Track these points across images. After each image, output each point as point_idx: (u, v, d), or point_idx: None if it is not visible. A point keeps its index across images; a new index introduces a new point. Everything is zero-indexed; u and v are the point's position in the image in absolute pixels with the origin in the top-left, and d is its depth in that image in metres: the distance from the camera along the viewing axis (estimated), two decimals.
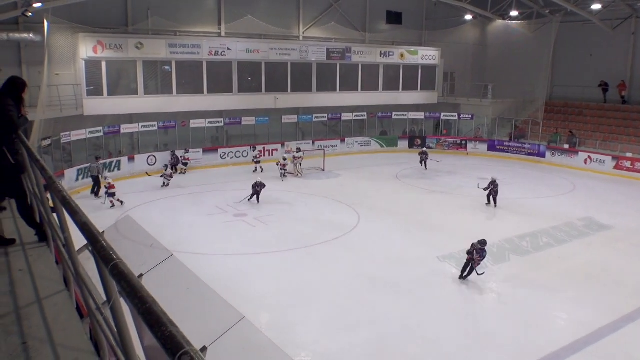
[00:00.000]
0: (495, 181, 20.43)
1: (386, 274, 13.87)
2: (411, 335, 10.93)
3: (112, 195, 19.37)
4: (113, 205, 19.25)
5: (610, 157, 28.86)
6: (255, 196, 19.93)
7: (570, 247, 16.75)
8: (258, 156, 26.27)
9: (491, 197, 20.46)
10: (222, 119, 28.25)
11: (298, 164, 25.49)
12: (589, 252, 16.46)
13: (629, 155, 28.57)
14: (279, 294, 12.57)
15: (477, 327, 11.49)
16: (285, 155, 25.90)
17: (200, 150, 26.99)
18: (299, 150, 26.53)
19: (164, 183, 22.17)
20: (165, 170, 22.62)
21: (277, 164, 24.81)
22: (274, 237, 16.38)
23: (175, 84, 26.91)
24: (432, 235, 16.94)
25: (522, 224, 18.50)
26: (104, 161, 22.99)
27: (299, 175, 25.32)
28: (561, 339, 10.99)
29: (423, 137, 33.86)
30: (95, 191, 21.27)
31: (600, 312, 12.25)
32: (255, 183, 19.92)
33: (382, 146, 33.02)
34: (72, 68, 23.96)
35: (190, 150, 26.55)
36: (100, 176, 21.46)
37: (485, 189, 20.34)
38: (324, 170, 26.20)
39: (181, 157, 25.46)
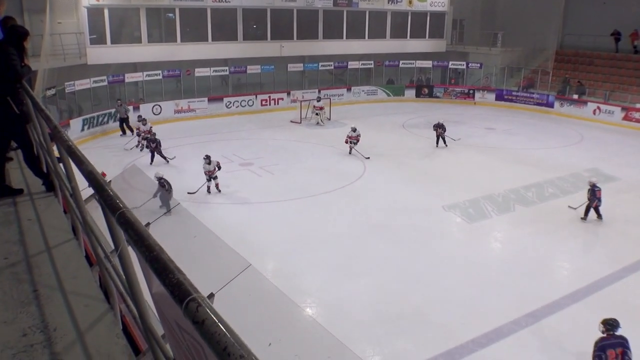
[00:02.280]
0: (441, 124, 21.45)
1: (391, 223, 14.02)
2: (415, 283, 11.10)
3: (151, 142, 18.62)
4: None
5: (620, 108, 28.56)
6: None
7: (576, 197, 16.79)
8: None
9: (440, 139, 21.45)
10: (227, 68, 27.97)
11: (321, 114, 25.53)
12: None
13: (638, 106, 28.30)
14: (284, 242, 12.78)
15: (481, 276, 11.64)
16: (315, 103, 25.88)
17: (206, 99, 26.81)
18: (319, 99, 26.33)
19: (138, 143, 19.92)
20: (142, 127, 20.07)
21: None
22: (279, 186, 16.48)
23: (179, 31, 26.62)
24: (438, 185, 17.00)
25: (528, 174, 18.50)
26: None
27: (321, 123, 25.37)
28: (563, 288, 11.17)
29: (430, 85, 33.51)
30: (126, 131, 21.56)
31: (602, 262, 12.41)
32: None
33: (388, 95, 32.72)
34: (74, 16, 23.70)
35: (195, 98, 26.44)
36: (128, 117, 21.87)
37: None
38: (329, 119, 26.10)
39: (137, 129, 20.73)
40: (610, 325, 7.72)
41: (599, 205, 14.28)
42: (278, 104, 28.77)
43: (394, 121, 26.58)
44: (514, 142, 23.53)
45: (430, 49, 35.03)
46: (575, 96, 30.36)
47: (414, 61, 33.70)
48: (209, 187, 15.72)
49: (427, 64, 34.05)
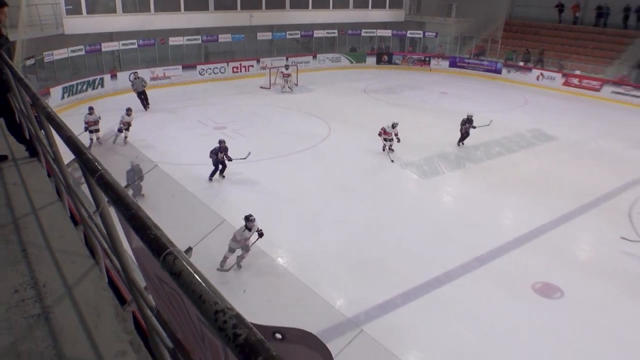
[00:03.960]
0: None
1: (354, 181, 14.18)
2: (377, 234, 11.36)
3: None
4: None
5: (560, 74, 29.02)
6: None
7: (519, 155, 17.20)
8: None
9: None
10: (199, 37, 27.38)
11: (288, 80, 25.18)
12: (536, 160, 16.93)
13: (577, 72, 28.77)
14: (256, 199, 12.81)
15: (436, 227, 11.94)
16: (283, 70, 25.44)
17: (180, 66, 26.27)
18: (287, 67, 25.95)
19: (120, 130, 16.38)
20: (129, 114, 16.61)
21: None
22: (251, 148, 16.32)
23: (153, 1, 25.86)
24: (396, 145, 17.14)
25: (477, 134, 18.75)
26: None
27: (289, 90, 25.03)
28: (507, 236, 11.57)
29: (390, 53, 33.43)
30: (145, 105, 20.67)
31: (541, 213, 12.83)
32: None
33: (351, 62, 32.55)
34: None
35: (169, 66, 25.87)
36: (145, 90, 20.80)
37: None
38: (297, 85, 25.90)
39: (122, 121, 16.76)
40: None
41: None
42: (248, 71, 28.39)
43: (356, 87, 26.54)
44: (465, 106, 23.69)
45: (390, 18, 34.86)
46: (521, 63, 30.69)
47: (375, 30, 33.50)
48: (116, 137, 15.88)
49: (387, 33, 33.89)
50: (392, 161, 15.63)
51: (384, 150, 16.16)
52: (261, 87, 25.43)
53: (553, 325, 8.69)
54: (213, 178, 13.75)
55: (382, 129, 16.06)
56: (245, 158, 13.78)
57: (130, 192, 11.57)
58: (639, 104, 26.08)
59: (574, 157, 17.45)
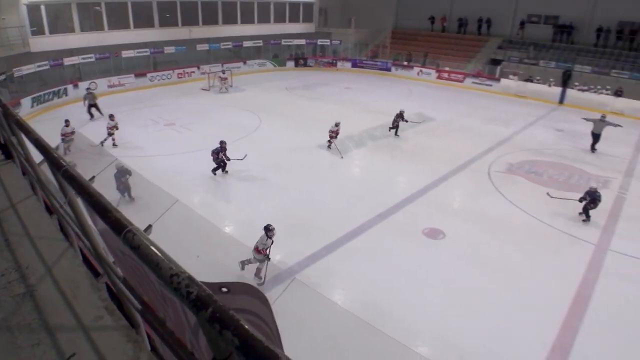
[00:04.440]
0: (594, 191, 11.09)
1: (283, 160, 14.08)
2: (304, 200, 11.39)
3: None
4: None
5: (435, 70, 29.97)
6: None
7: (408, 133, 17.67)
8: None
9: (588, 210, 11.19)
10: (148, 49, 25.99)
11: (225, 82, 24.34)
12: (420, 136, 17.49)
13: (446, 68, 29.83)
14: (205, 180, 12.48)
15: (348, 192, 12.12)
16: (221, 75, 24.57)
17: (132, 75, 24.86)
18: (223, 72, 25.05)
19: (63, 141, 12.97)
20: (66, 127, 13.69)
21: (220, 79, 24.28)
22: (197, 139, 15.89)
23: (106, 21, 24.27)
24: (312, 130, 17.15)
25: (375, 119, 19.15)
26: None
27: (226, 90, 24.20)
28: (401, 195, 11.93)
29: (305, 58, 33.24)
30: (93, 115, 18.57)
31: (425, 176, 13.31)
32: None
33: (275, 66, 32.06)
34: (16, 12, 20.84)
35: (123, 75, 24.43)
36: (97, 103, 18.66)
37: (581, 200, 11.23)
38: (232, 86, 25.24)
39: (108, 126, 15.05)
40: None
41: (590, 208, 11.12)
42: (191, 76, 27.29)
43: (280, 85, 26.23)
44: (364, 97, 24.08)
45: (303, 30, 34.57)
46: (405, 62, 31.39)
47: (292, 40, 33.12)
48: (105, 140, 14.67)
49: (302, 41, 33.60)
50: (342, 157, 14.66)
51: (329, 147, 15.32)
52: (202, 89, 24.58)
53: (440, 258, 9.12)
54: (217, 173, 12.75)
55: (330, 130, 15.20)
56: (242, 159, 12.85)
57: (118, 197, 10.25)
58: (490, 91, 27.49)
59: (447, 132, 18.20)
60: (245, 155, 13.07)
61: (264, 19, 32.22)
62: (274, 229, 7.91)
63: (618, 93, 24.52)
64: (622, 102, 24.13)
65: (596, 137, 16.77)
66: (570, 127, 20.66)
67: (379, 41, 34.46)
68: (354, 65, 32.88)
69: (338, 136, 15.26)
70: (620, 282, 8.77)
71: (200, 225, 9.46)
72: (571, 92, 25.52)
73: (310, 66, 32.81)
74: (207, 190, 11.98)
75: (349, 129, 17.39)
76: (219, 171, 12.76)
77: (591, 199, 11.08)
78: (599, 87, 25.10)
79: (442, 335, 6.96)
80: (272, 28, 32.68)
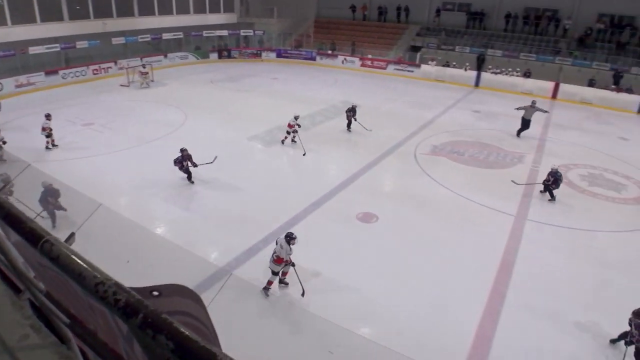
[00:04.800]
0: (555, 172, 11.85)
1: (213, 154, 13.65)
2: (238, 194, 11.17)
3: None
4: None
5: (358, 58, 30.51)
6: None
7: (336, 121, 17.91)
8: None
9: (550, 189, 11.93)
10: (58, 44, 24.16)
11: (145, 77, 23.11)
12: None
13: (369, 56, 30.46)
14: (130, 182, 11.77)
15: (281, 181, 12.13)
16: (141, 69, 23.31)
17: (42, 73, 22.94)
18: (143, 66, 23.79)
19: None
20: None
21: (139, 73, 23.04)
22: (120, 139, 15.04)
23: (9, 15, 22.20)
24: (241, 122, 16.93)
25: (303, 108, 19.16)
26: None
27: (147, 86, 23.01)
28: (333, 182, 12.09)
29: (228, 49, 32.48)
30: None
31: (356, 161, 13.58)
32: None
33: (197, 58, 31.03)
34: None
35: (32, 73, 22.51)
36: None
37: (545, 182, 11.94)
38: (153, 81, 24.15)
39: None
40: (638, 315, 6.41)
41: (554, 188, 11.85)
42: (108, 72, 25.72)
43: (204, 78, 25.49)
44: (291, 87, 24.05)
45: (225, 21, 33.68)
46: (330, 51, 31.66)
47: (214, 31, 32.21)
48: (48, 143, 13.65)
49: (224, 32, 32.74)
50: (304, 154, 14.16)
51: (282, 142, 14.84)
52: (121, 85, 23.28)
53: (375, 240, 9.39)
54: (192, 180, 11.69)
55: (288, 124, 14.65)
56: (211, 162, 11.84)
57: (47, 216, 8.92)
58: (412, 76, 28.47)
59: (373, 119, 18.56)
60: (216, 157, 12.06)
61: (183, 9, 31.03)
62: (296, 237, 7.38)
63: (527, 74, 26.35)
64: (531, 83, 25.98)
65: (526, 122, 17.21)
66: (486, 108, 21.94)
67: (302, 31, 34.45)
68: (279, 55, 32.67)
69: (297, 130, 14.61)
70: (538, 247, 9.54)
71: (129, 228, 9.02)
72: (485, 75, 27.07)
73: (234, 57, 32.17)
74: (133, 191, 11.37)
75: (279, 120, 17.30)
76: (185, 179, 11.66)
77: (554, 179, 11.77)
78: (510, 69, 26.82)
79: (381, 314, 7.19)
80: (192, 19, 31.57)
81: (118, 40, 26.94)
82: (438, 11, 32.08)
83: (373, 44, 31.46)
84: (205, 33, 31.46)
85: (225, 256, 8.42)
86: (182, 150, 11.53)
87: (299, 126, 14.66)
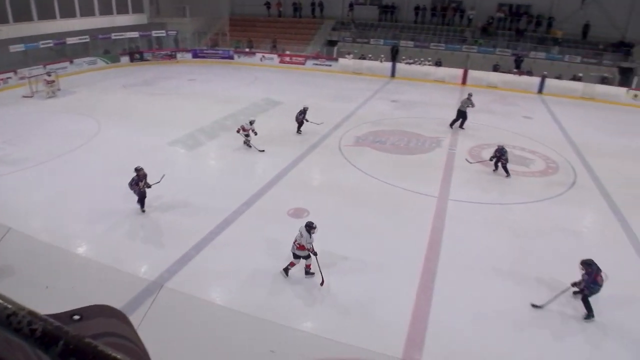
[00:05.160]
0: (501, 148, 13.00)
1: (133, 163, 12.88)
2: (161, 202, 10.68)
3: None
4: None
5: (277, 55, 30.41)
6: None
7: (259, 119, 17.65)
8: None
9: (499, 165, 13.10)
10: None
11: (52, 86, 21.32)
12: (271, 120, 17.65)
13: (288, 52, 30.47)
14: (44, 200, 10.73)
15: (208, 184, 11.75)
16: (47, 77, 21.44)
17: None
18: (49, 74, 21.95)
19: None
20: None
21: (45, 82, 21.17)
22: (26, 155, 13.67)
23: None
24: (161, 127, 16.25)
25: (224, 109, 18.84)
26: None
27: (54, 95, 21.26)
28: (263, 180, 11.96)
29: (140, 52, 30.97)
30: None
31: (283, 158, 13.54)
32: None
33: (107, 63, 29.28)
34: None
35: None
36: None
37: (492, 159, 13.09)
38: (60, 89, 22.46)
39: None
40: (587, 264, 7.18)
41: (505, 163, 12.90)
42: (7, 82, 23.48)
43: (116, 83, 24.12)
44: (210, 87, 23.47)
45: (135, 22, 31.95)
46: (247, 49, 31.27)
47: (124, 33, 30.45)
48: None
49: (135, 34, 31.05)
50: (262, 150, 14.09)
51: (245, 144, 14.41)
52: (24, 97, 21.33)
53: None
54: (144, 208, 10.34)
55: (241, 126, 14.29)
56: (159, 182, 10.48)
57: None
58: (330, 70, 28.90)
59: (296, 113, 18.62)
60: (164, 176, 10.79)
61: (87, 11, 29.05)
62: (316, 227, 7.71)
63: (438, 63, 27.67)
64: (442, 71, 27.34)
65: (462, 113, 17.49)
66: (403, 97, 22.79)
67: (217, 29, 33.71)
68: (195, 55, 31.74)
69: (251, 134, 14.34)
70: (461, 224, 10.09)
71: (45, 251, 8.30)
72: (400, 66, 28.08)
73: (147, 60, 30.77)
74: (47, 210, 10.36)
75: (200, 122, 16.88)
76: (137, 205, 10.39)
77: (501, 155, 12.84)
78: (422, 59, 28.03)
79: (322, 306, 7.26)
80: (98, 21, 29.67)
81: (17, 48, 24.69)
82: (351, 5, 32.75)
83: (290, 40, 31.49)
84: (114, 35, 29.73)
85: (156, 269, 8.01)
86: (138, 170, 10.08)
87: (255, 133, 14.27)
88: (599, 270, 7.15)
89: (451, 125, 17.68)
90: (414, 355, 6.32)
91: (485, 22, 29.82)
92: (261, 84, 24.63)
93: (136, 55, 30.52)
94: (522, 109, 21.70)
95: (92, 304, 1.31)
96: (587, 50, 27.26)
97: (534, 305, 7.48)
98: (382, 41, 30.20)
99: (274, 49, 30.88)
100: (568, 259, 8.76)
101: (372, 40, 30.52)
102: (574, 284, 7.39)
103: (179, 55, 31.57)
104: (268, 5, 34.34)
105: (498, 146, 13.01)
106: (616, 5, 27.72)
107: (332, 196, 11.28)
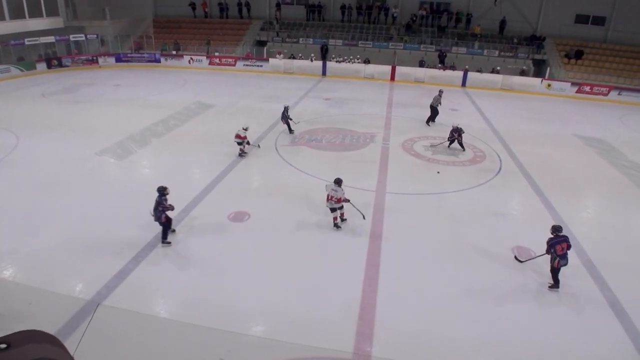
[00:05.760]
0: (457, 127, 15.02)
1: (58, 177, 12.09)
2: (100, 214, 10.02)
3: None
4: None
5: (205, 57, 29.71)
6: None
7: (191, 123, 17.26)
8: None
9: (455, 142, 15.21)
10: None
11: None
12: (204, 124, 17.26)
13: (216, 54, 29.85)
14: None
15: (142, 193, 11.02)
16: None
17: None
18: None
19: None
20: None
21: None
22: None
23: None
24: (87, 137, 15.32)
25: (154, 114, 18.13)
26: None
27: None
28: (199, 186, 11.60)
29: (58, 57, 29.02)
30: None
31: (218, 162, 13.20)
32: None
33: (22, 70, 27.11)
34: None
35: None
36: None
37: (449, 139, 14.99)
38: None
39: None
40: (556, 229, 7.89)
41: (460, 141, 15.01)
42: None
43: (34, 92, 22.41)
44: (138, 93, 22.49)
45: (50, 26, 29.85)
46: (174, 52, 30.28)
47: (38, 38, 28.40)
48: None
49: (50, 39, 29.04)
50: (258, 146, 14.51)
51: (241, 152, 13.81)
52: None
53: (249, 236, 9.29)
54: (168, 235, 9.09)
55: (237, 135, 13.58)
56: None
57: None
58: (262, 71, 28.72)
59: (230, 116, 18.38)
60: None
61: None
62: (342, 180, 9.53)
63: (367, 61, 28.27)
64: (372, 68, 27.97)
65: (434, 110, 18.00)
66: (335, 94, 23.07)
67: (141, 31, 32.35)
68: (119, 60, 30.28)
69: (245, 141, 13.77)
70: (400, 215, 10.37)
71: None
72: (330, 64, 28.41)
73: (67, 66, 28.93)
74: None
75: (129, 129, 16.12)
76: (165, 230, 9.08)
77: (458, 134, 14.85)
78: (351, 57, 28.52)
79: (271, 309, 7.16)
80: (9, 26, 27.44)
81: None
82: (278, 5, 32.64)
83: (219, 42, 30.87)
84: (27, 41, 27.62)
85: (93, 286, 7.50)
86: (163, 190, 8.65)
87: (248, 143, 13.86)
88: (563, 241, 7.76)
89: (427, 122, 18.21)
90: (364, 348, 6.41)
91: (408, 20, 30.85)
92: (191, 87, 23.96)
93: (54, 61, 28.59)
94: (449, 101, 22.66)
95: (22, 330, 1.21)
96: (504, 44, 29.00)
97: (517, 259, 8.68)
98: (311, 40, 30.39)
99: (208, 51, 30.10)
100: (503, 239, 9.27)
101: (301, 39, 30.61)
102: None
103: (101, 60, 29.95)
104: (193, 6, 33.45)
105: (453, 126, 14.99)
106: (528, 1, 29.71)
107: (272, 197, 11.18)
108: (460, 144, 15.03)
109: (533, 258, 8.51)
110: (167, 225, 8.88)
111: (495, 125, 18.78)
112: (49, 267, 8.13)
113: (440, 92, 18.50)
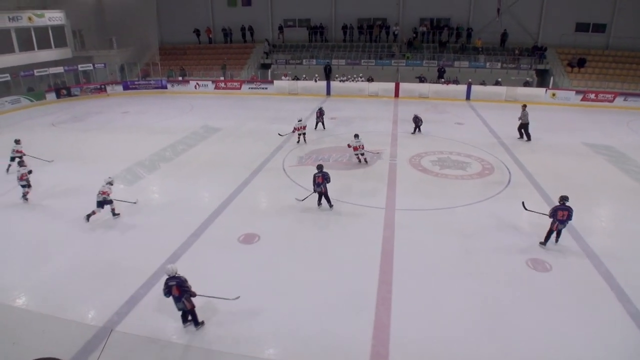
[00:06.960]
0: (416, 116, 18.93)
1: (70, 204, 12.13)
2: (110, 241, 10.01)
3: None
4: None
5: (211, 81, 30.09)
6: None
7: (199, 147, 17.35)
8: None
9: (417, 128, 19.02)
10: None
11: None
12: (212, 147, 17.36)
13: (222, 78, 30.24)
14: None
15: (153, 218, 11.17)
16: None
17: None
18: None
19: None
20: None
21: None
22: None
23: None
24: (97, 164, 15.43)
25: (162, 140, 18.25)
26: None
27: None
28: (209, 209, 11.57)
29: (67, 87, 29.48)
30: None
31: (227, 184, 13.19)
32: None
33: (32, 101, 27.54)
34: None
35: None
36: None
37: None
38: None
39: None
40: (563, 198, 9.37)
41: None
42: None
43: (44, 122, 22.72)
44: (146, 119, 22.73)
45: (59, 57, 30.38)
46: (180, 78, 30.69)
47: (48, 69, 28.95)
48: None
49: (59, 69, 29.54)
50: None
51: (301, 137, 17.65)
52: None
53: (260, 258, 9.22)
54: None
55: (294, 127, 17.55)
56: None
57: None
58: (267, 93, 29.01)
59: (237, 138, 18.47)
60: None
61: (5, 48, 27.31)
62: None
63: (370, 79, 28.46)
64: (375, 86, 28.12)
65: (524, 126, 18.09)
66: (340, 113, 23.16)
67: (148, 59, 32.85)
68: (126, 87, 30.72)
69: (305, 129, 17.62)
70: (409, 231, 10.27)
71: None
72: (334, 84, 28.63)
73: (76, 95, 29.40)
74: None
75: (138, 155, 16.24)
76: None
77: (418, 121, 18.59)
78: (354, 76, 28.73)
79: (285, 330, 7.06)
80: (19, 58, 27.97)
81: None
82: (281, 28, 33.10)
83: (229, 67, 31.29)
84: (37, 72, 28.13)
85: (104, 313, 7.46)
86: (174, 277, 7.11)
87: (304, 132, 17.66)
88: (565, 210, 9.23)
89: (529, 138, 18.14)
90: None
91: (410, 37, 31.10)
92: (198, 112, 24.18)
93: (63, 90, 29.08)
94: (454, 115, 22.67)
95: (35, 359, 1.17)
96: (506, 56, 29.09)
97: (524, 206, 10.42)
98: (314, 61, 30.71)
99: (224, 75, 30.45)
100: (516, 253, 9.12)
101: (304, 60, 30.93)
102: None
103: (109, 88, 30.41)
104: (197, 32, 34.01)
105: (414, 115, 18.09)
106: (527, 13, 29.88)
107: (282, 218, 11.13)
108: (419, 128, 18.47)
109: (538, 213, 10.15)
110: (193, 312, 7.21)
111: (501, 137, 18.71)
112: (61, 295, 8.10)
113: (524, 106, 18.33)
